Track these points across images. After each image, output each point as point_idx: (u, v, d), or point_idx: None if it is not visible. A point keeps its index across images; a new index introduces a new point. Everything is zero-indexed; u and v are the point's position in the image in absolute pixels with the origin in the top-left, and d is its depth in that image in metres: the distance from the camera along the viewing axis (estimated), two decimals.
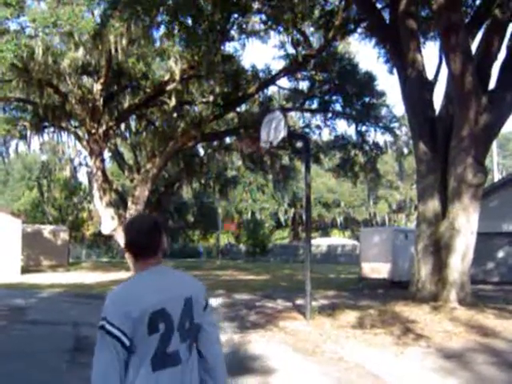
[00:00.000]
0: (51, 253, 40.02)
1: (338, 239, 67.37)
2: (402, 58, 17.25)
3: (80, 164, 56.45)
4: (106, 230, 28.36)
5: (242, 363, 8.73)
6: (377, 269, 24.70)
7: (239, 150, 34.43)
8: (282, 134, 12.14)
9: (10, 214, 30.97)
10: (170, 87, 27.06)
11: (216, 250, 62.91)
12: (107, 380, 2.67)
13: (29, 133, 32.06)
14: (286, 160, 38.99)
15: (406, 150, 39.44)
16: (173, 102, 27.64)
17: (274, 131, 12.40)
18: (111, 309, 2.76)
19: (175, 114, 30.70)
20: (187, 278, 3.23)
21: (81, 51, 24.22)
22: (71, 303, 17.45)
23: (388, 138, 36.29)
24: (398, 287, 20.65)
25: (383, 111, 32.53)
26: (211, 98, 29.04)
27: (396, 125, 33.41)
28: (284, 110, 23.14)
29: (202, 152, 39.51)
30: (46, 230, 42.44)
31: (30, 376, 7.90)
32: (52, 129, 33.69)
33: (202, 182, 43.44)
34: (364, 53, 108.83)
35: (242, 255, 62.85)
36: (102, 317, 2.76)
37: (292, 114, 37.47)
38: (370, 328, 11.56)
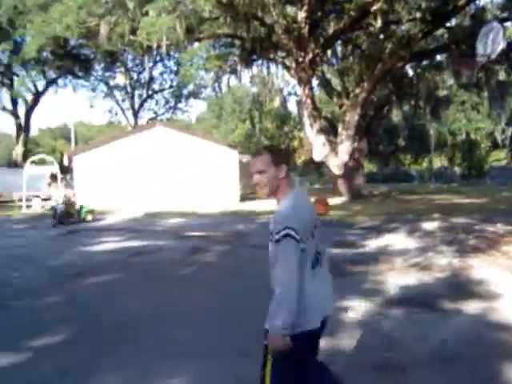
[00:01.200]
0: None
1: None
2: None
3: (289, 94, 57.60)
4: (317, 157, 28.74)
5: (464, 287, 8.49)
6: None
7: (452, 68, 32.63)
8: (501, 45, 11.28)
9: (227, 146, 32.59)
10: (374, 8, 26.20)
11: (429, 173, 61.27)
12: (295, 276, 3.30)
13: (239, 67, 33.03)
14: (502, 75, 36.30)
15: None
16: (378, 22, 26.80)
17: (491, 43, 11.56)
18: (291, 219, 3.33)
19: (381, 36, 29.76)
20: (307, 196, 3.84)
21: None
22: None
23: None
24: None
25: None
26: (418, 15, 27.67)
27: None
28: (501, 21, 21.41)
29: (411, 72, 38.11)
30: None
31: (253, 293, 8.34)
32: (260, 61, 34.41)
33: (412, 103, 41.95)
34: None
35: (457, 178, 60.55)
36: (283, 227, 3.31)
37: (508, 24, 34.59)
38: None
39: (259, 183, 3.63)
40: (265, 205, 28.05)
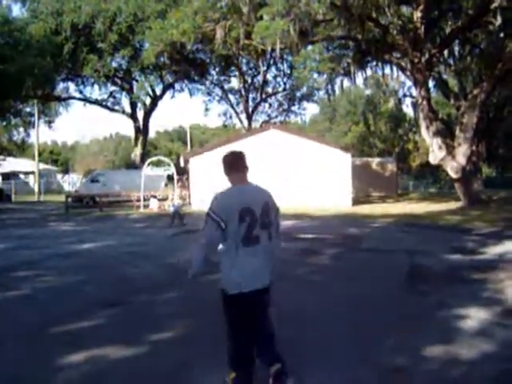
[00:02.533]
0: (380, 184, 41.16)
1: None
2: None
3: (404, 95, 56.50)
4: (434, 160, 28.03)
5: None
6: None
7: None
8: None
9: (340, 149, 32.43)
10: (494, 5, 25.23)
11: None
12: (213, 238, 4.48)
13: (352, 69, 32.77)
14: None
15: None
16: (498, 20, 25.80)
17: None
18: (215, 203, 4.54)
19: (502, 34, 28.65)
20: (265, 190, 4.87)
21: None
22: (403, 232, 17.76)
23: None
24: None
25: None
26: None
27: None
28: None
29: None
30: (374, 162, 43.68)
31: (368, 299, 8.27)
32: (374, 62, 33.99)
33: None
34: None
35: None
36: (208, 208, 4.53)
37: None
38: None
39: None
40: (378, 208, 27.72)
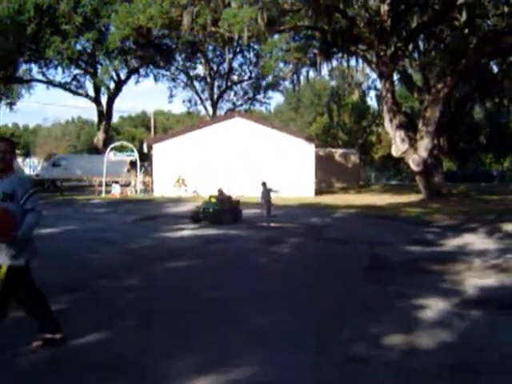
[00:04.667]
0: (342, 175, 41.45)
1: None
2: None
3: (369, 88, 56.90)
4: (396, 153, 28.30)
5: None
6: None
7: None
8: None
9: (304, 139, 32.52)
10: (460, 1, 25.51)
11: (511, 173, 59.33)
12: None
13: (318, 59, 32.80)
14: None
15: None
16: (464, 16, 26.06)
17: None
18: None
19: (466, 30, 28.98)
20: (16, 179, 5.22)
21: None
22: (364, 223, 17.92)
23: None
24: None
25: None
26: (506, 9, 26.77)
27: None
28: None
29: (495, 69, 36.98)
30: (337, 153, 43.92)
31: (328, 288, 8.32)
32: (340, 54, 34.09)
33: (496, 100, 40.72)
34: None
35: None
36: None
37: None
38: None
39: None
40: (341, 199, 27.90)
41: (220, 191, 19.02)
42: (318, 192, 31.84)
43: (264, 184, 17.61)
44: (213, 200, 18.17)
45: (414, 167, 28.02)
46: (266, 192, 17.37)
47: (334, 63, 37.46)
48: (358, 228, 16.69)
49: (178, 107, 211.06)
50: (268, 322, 6.52)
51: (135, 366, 5.06)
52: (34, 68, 64.83)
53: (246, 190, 29.23)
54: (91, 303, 7.36)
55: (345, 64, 37.36)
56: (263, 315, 6.78)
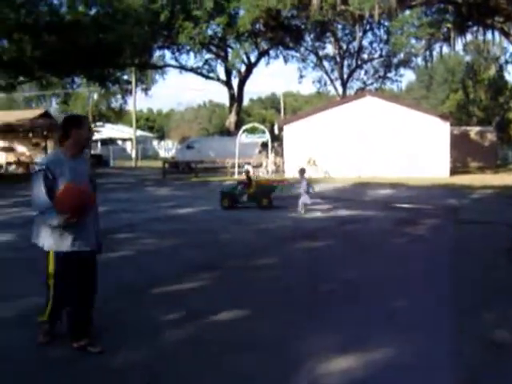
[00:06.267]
0: (478, 154, 39.81)
1: None
2: None
3: (506, 62, 54.15)
4: None
5: None
6: None
7: None
8: None
9: (438, 117, 31.50)
10: None
11: None
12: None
13: (452, 34, 31.61)
14: None
15: None
16: None
17: None
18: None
19: None
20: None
21: None
22: (504, 205, 17.15)
23: None
24: None
25: None
26: None
27: None
28: None
29: None
30: (473, 131, 42.23)
31: (467, 272, 8.02)
32: (475, 27, 32.63)
33: None
34: None
35: None
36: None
37: None
38: None
39: None
40: (477, 179, 26.80)
41: (247, 173, 18.24)
42: (453, 172, 30.76)
43: (302, 171, 15.93)
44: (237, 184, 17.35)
45: None
46: (304, 180, 15.64)
47: (469, 37, 35.94)
48: (497, 210, 15.97)
49: (306, 88, 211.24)
50: (406, 304, 6.40)
51: (275, 343, 5.13)
52: (167, 54, 66.90)
53: (377, 170, 28.85)
54: (228, 281, 7.54)
55: (480, 38, 35.75)
56: (401, 298, 6.66)
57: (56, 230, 4.63)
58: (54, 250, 4.69)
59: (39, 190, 4.57)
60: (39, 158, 5.22)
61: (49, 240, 4.68)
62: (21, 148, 39.34)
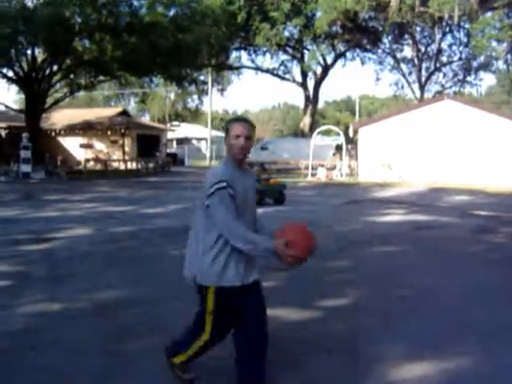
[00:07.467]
0: None
1: None
2: None
3: None
4: None
5: None
6: None
7: None
8: None
9: None
10: None
11: None
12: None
13: None
14: None
15: None
16: None
17: None
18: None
19: None
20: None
21: None
22: None
23: None
24: None
25: None
26: None
27: None
28: None
29: None
30: None
31: None
32: None
33: None
34: None
35: None
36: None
37: None
38: None
39: (246, 148, 3.70)
40: None
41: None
42: None
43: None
44: None
45: None
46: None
47: None
48: None
49: (382, 91, 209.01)
50: (485, 314, 6.19)
51: (347, 347, 5.07)
52: (244, 55, 67.59)
53: (453, 176, 28.18)
54: (299, 281, 7.49)
55: None
56: (480, 307, 6.45)
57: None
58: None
59: (231, 217, 3.56)
60: (213, 170, 3.47)
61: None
62: (99, 145, 40.48)
